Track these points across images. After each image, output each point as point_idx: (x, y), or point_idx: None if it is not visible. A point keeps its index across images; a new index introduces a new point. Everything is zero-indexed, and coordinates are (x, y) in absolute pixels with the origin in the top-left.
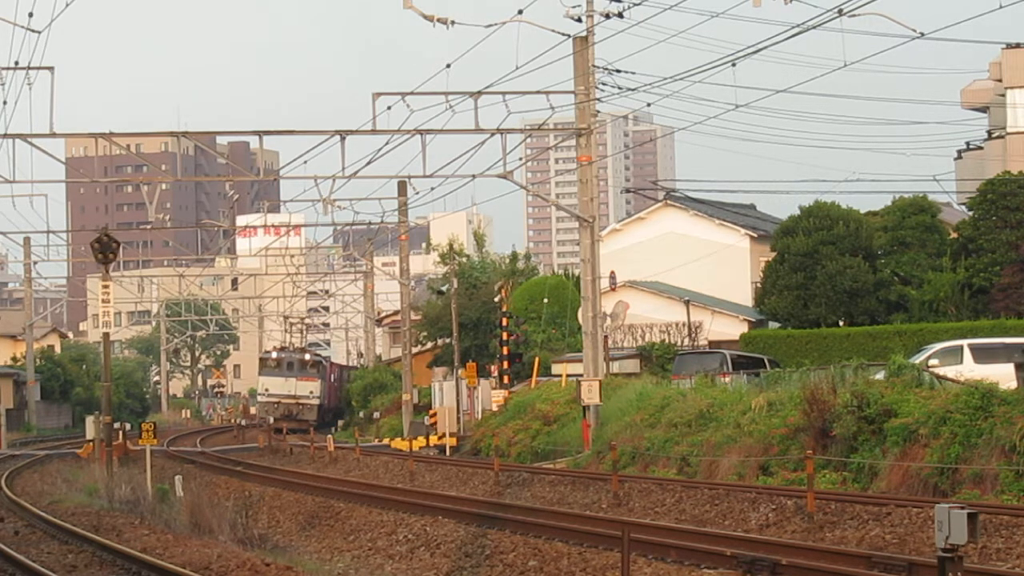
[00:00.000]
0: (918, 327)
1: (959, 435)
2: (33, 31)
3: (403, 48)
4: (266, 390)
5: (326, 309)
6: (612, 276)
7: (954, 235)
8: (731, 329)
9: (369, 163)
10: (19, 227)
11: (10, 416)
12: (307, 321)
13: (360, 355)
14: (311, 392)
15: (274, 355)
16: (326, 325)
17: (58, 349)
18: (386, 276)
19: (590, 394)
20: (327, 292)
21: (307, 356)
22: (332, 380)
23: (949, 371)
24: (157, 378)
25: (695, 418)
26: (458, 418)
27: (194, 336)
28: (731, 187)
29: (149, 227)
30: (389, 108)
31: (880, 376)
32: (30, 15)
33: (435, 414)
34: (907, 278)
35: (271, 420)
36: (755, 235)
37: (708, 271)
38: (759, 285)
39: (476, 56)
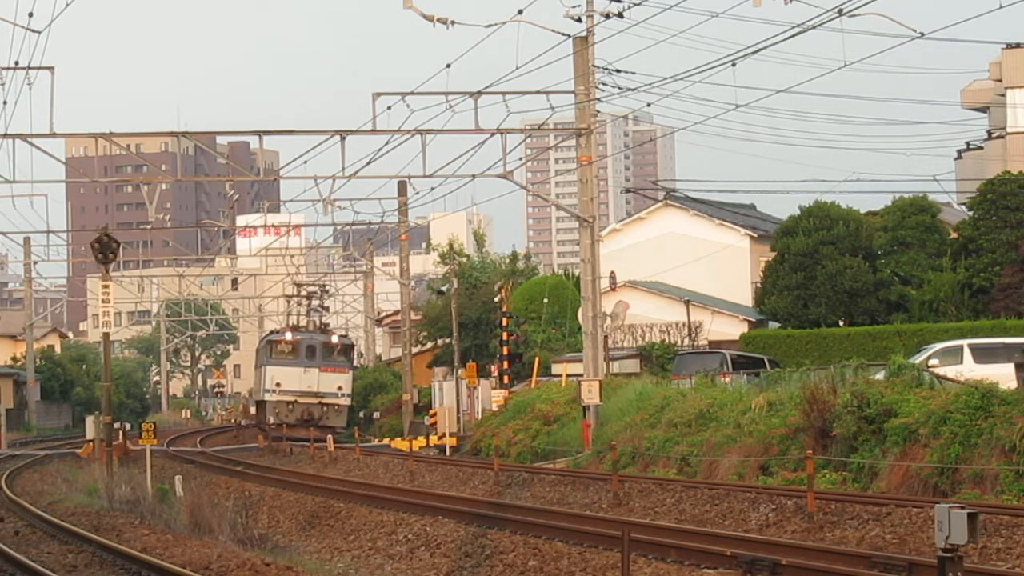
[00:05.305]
0: (918, 327)
1: (959, 435)
2: (33, 31)
3: (403, 48)
4: (277, 385)
5: (326, 309)
6: (612, 276)
7: (954, 235)
8: (731, 329)
9: (369, 163)
10: (19, 227)
11: (10, 416)
12: (326, 288)
13: (360, 355)
14: (340, 388)
15: (288, 336)
16: (326, 325)
17: (58, 349)
18: (386, 276)
19: (590, 394)
20: (327, 292)
21: (334, 338)
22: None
23: (949, 371)
24: (157, 378)
25: (695, 418)
26: (458, 418)
27: (194, 336)
28: (731, 187)
29: (149, 227)
30: (389, 108)
31: (880, 376)
32: (30, 15)
33: (435, 414)
34: (907, 278)
35: (270, 421)
36: (755, 235)
37: (708, 271)
38: (759, 285)
39: (476, 56)
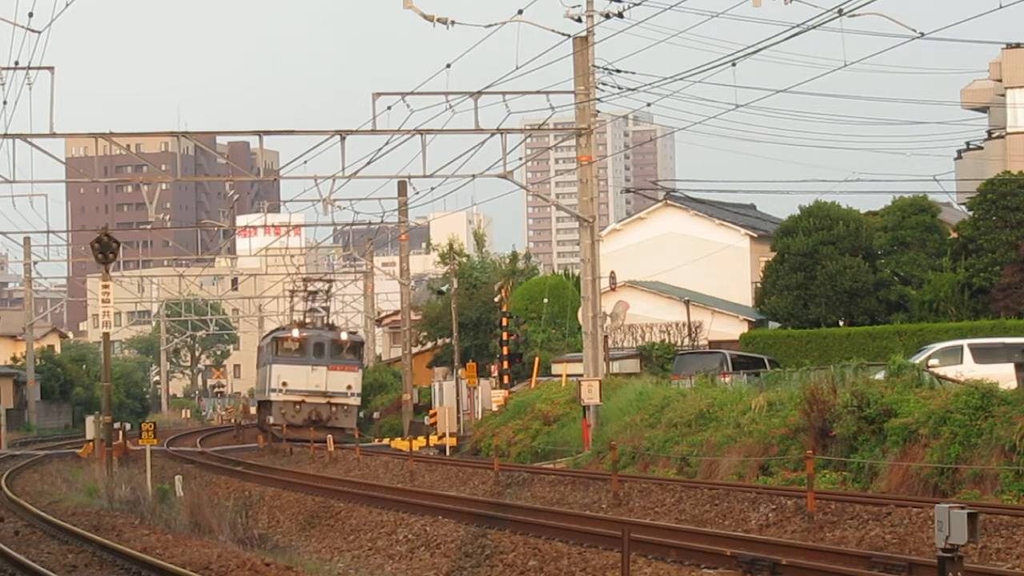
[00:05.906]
0: (918, 327)
1: (959, 435)
2: (33, 31)
3: (403, 48)
4: (283, 384)
5: (326, 309)
6: (612, 276)
7: (954, 235)
8: (731, 329)
9: (369, 163)
10: (19, 227)
11: (10, 416)
12: (333, 281)
13: None
14: (349, 388)
15: (295, 333)
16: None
17: (58, 349)
18: (386, 276)
19: (590, 394)
20: (327, 292)
21: (343, 335)
22: None
23: (949, 371)
24: (157, 378)
25: (695, 418)
26: (458, 418)
27: (194, 336)
28: (731, 187)
29: (149, 227)
30: (389, 108)
31: (880, 376)
32: (30, 15)
33: (435, 414)
34: (907, 278)
35: (270, 421)
36: (755, 235)
37: (708, 271)
38: (759, 285)
39: (476, 56)
